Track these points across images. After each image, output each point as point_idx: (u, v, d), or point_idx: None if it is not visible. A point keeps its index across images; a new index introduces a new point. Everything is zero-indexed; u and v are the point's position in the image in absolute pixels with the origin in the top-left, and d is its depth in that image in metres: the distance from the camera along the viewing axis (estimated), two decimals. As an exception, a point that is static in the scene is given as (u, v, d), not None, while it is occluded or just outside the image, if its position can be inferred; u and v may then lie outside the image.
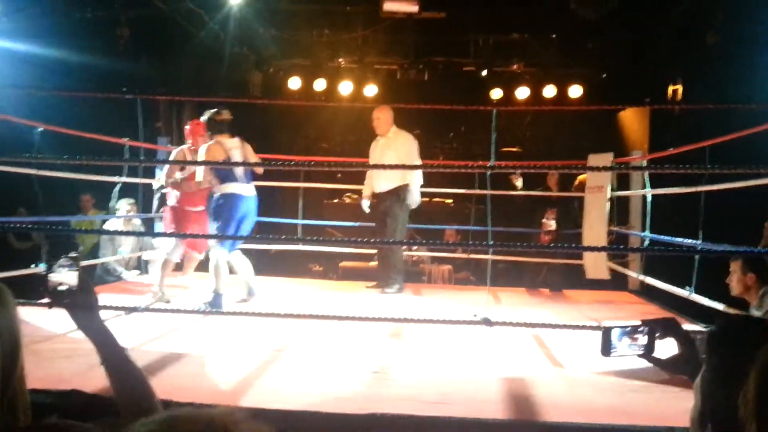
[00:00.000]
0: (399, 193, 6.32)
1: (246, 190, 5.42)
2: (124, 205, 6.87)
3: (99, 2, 7.56)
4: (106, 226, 7.00)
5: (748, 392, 0.78)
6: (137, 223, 7.08)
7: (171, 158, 5.77)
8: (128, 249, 7.19)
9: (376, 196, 6.53)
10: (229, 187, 5.34)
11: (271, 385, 3.36)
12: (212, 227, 5.39)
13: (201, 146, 5.43)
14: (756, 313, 4.14)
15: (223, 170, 5.31)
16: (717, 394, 1.19)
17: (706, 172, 4.72)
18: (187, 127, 5.99)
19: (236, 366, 3.68)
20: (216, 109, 5.39)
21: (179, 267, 5.92)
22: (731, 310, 4.26)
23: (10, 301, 1.20)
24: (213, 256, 5.31)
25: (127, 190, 6.58)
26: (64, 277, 1.64)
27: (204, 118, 5.42)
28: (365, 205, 6.67)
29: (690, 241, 5.02)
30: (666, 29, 7.96)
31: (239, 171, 5.35)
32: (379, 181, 6.43)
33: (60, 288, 1.64)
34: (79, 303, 1.63)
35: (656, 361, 1.70)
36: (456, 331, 4.60)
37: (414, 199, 6.40)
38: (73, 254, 1.65)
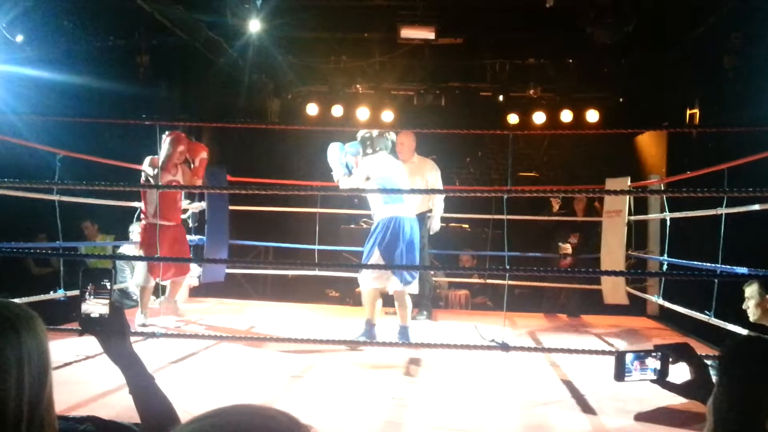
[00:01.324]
0: (424, 218, 6.33)
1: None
2: (136, 229, 6.87)
3: (120, 30, 7.70)
4: (121, 251, 7.04)
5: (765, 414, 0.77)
6: None
7: (145, 164, 5.64)
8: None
9: None
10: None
11: (289, 411, 3.34)
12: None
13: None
14: None
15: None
16: (729, 415, 1.18)
17: (725, 195, 4.68)
18: (168, 137, 5.71)
19: (253, 392, 3.68)
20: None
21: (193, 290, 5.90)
22: (746, 332, 4.20)
23: (40, 329, 1.21)
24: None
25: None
26: (97, 304, 1.64)
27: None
28: None
29: (709, 264, 4.97)
30: (682, 53, 7.96)
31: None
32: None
33: (93, 315, 1.64)
34: (111, 331, 1.63)
35: (670, 386, 1.69)
36: (473, 357, 4.58)
37: (435, 225, 6.42)
38: (105, 282, 1.65)
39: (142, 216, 5.70)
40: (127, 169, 6.13)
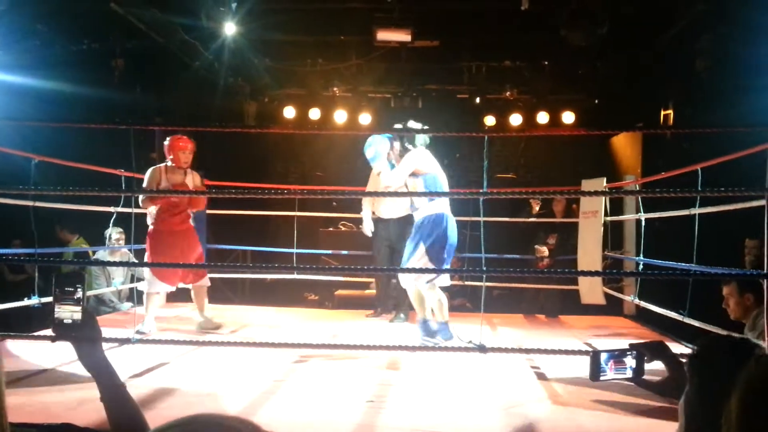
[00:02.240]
0: (406, 220, 6.32)
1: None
2: (113, 234, 6.79)
3: (94, 34, 7.62)
4: (97, 256, 6.94)
5: (730, 413, 0.78)
6: (127, 253, 7.00)
7: (147, 177, 5.63)
8: (120, 280, 7.12)
9: (381, 222, 6.54)
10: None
11: (265, 415, 3.34)
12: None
13: None
14: (749, 334, 4.14)
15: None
16: (700, 414, 1.19)
17: (698, 195, 4.75)
18: (166, 143, 5.79)
19: (230, 396, 3.67)
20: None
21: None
22: (721, 331, 4.25)
23: None
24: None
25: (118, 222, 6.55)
26: (69, 310, 1.63)
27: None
28: (369, 229, 6.65)
29: (684, 264, 5.03)
30: (656, 55, 8.05)
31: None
32: (386, 208, 6.44)
33: (66, 321, 1.63)
34: (83, 337, 1.62)
35: (646, 384, 1.71)
36: (451, 358, 4.59)
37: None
38: (78, 287, 1.65)
39: (150, 222, 5.63)
40: (104, 174, 6.06)
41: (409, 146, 5.11)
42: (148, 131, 8.13)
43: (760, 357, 0.78)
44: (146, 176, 5.65)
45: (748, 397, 0.76)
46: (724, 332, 4.11)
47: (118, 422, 1.59)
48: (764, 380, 0.74)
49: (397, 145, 5.20)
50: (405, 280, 5.09)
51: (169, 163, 5.73)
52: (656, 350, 1.69)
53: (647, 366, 1.72)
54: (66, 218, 7.32)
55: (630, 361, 1.69)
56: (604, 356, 1.69)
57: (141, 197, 5.54)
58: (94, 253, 7.34)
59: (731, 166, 4.59)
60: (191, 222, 5.83)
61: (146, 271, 5.58)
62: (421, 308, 5.06)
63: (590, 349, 4.71)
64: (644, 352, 1.69)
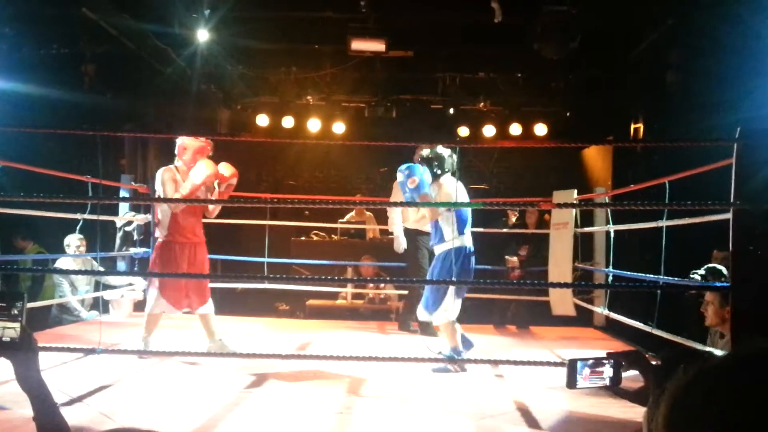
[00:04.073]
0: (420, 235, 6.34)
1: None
2: (74, 242, 6.57)
3: (64, 39, 7.53)
4: (58, 264, 6.77)
5: (658, 417, 0.79)
6: (91, 261, 6.81)
7: (166, 177, 4.96)
8: (85, 288, 6.94)
9: (421, 235, 6.37)
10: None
11: (233, 426, 3.29)
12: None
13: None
14: (720, 341, 4.18)
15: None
16: (659, 427, 1.18)
17: (665, 208, 4.79)
18: (187, 142, 5.05)
19: (199, 407, 3.61)
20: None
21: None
22: (688, 342, 4.28)
23: None
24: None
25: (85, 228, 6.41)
26: (8, 327, 1.60)
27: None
28: (403, 246, 6.51)
29: (652, 276, 5.07)
30: (627, 69, 8.15)
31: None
32: (409, 220, 6.44)
33: (3, 339, 1.60)
34: (19, 355, 1.59)
35: (622, 393, 1.70)
36: (421, 370, 4.57)
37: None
38: (18, 305, 1.62)
39: (158, 233, 5.03)
40: (69, 180, 5.95)
41: (437, 171, 4.90)
42: (118, 138, 8.04)
43: (689, 365, 0.78)
44: (165, 176, 4.96)
45: (677, 397, 0.76)
46: (690, 344, 4.15)
47: None
48: (688, 386, 0.75)
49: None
50: (440, 316, 4.79)
51: (180, 165, 5.03)
52: (633, 359, 1.68)
53: (625, 375, 1.72)
54: (22, 225, 7.16)
55: (607, 370, 1.68)
56: (581, 364, 1.67)
57: (177, 196, 4.89)
58: (54, 260, 7.19)
59: (701, 178, 4.64)
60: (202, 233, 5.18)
61: (152, 289, 4.97)
62: (453, 338, 4.80)
63: (560, 360, 4.74)
64: (621, 360, 1.68)
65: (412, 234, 6.41)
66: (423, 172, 4.81)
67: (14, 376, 1.60)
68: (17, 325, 1.60)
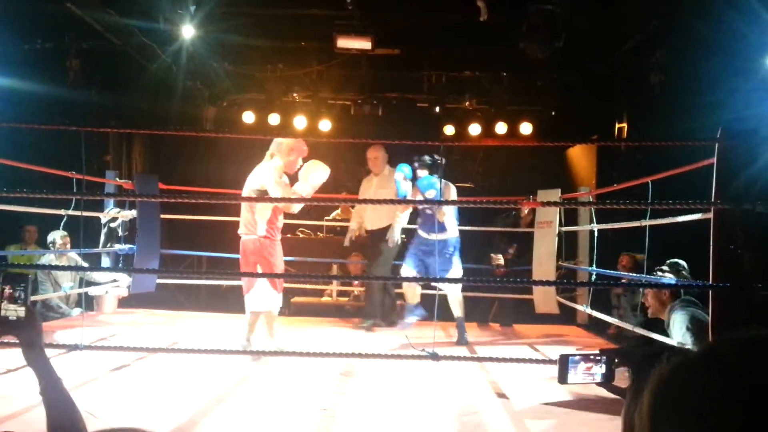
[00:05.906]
0: (388, 231, 6.48)
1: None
2: (57, 239, 6.60)
3: (48, 34, 7.47)
4: (42, 261, 6.73)
5: (642, 407, 0.81)
6: (74, 257, 6.83)
7: (273, 175, 5.03)
8: (69, 285, 6.90)
9: (368, 233, 6.69)
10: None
11: (217, 424, 3.29)
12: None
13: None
14: (669, 331, 4.23)
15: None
16: (630, 420, 1.20)
17: (648, 207, 4.83)
18: (290, 142, 5.13)
19: (184, 404, 3.60)
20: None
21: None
22: (667, 339, 4.32)
23: None
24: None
25: (72, 224, 6.38)
26: (14, 308, 1.71)
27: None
28: (348, 239, 6.85)
29: (634, 275, 5.11)
30: (611, 69, 8.21)
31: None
32: (373, 219, 6.58)
33: (10, 318, 1.71)
34: (25, 333, 1.69)
35: (615, 390, 1.71)
36: (405, 367, 4.59)
37: (394, 237, 6.47)
38: (22, 286, 1.72)
39: (268, 229, 5.12)
40: (53, 175, 5.92)
41: (437, 176, 5.62)
42: (103, 134, 7.98)
43: (671, 355, 0.81)
44: (277, 176, 5.05)
45: (658, 389, 0.79)
46: (668, 340, 4.19)
47: (56, 415, 1.66)
48: (671, 375, 0.78)
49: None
50: (455, 290, 5.91)
51: (281, 164, 5.09)
52: (625, 356, 1.70)
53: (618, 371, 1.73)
54: (35, 221, 7.15)
55: (599, 367, 1.69)
56: (573, 359, 1.69)
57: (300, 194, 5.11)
58: (40, 256, 7.15)
59: (684, 178, 4.68)
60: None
61: (266, 287, 5.06)
62: (461, 309, 5.92)
63: (543, 358, 4.76)
64: (613, 357, 1.69)
65: (385, 231, 6.46)
66: (435, 183, 5.62)
67: (21, 353, 1.68)
68: (24, 307, 1.71)
